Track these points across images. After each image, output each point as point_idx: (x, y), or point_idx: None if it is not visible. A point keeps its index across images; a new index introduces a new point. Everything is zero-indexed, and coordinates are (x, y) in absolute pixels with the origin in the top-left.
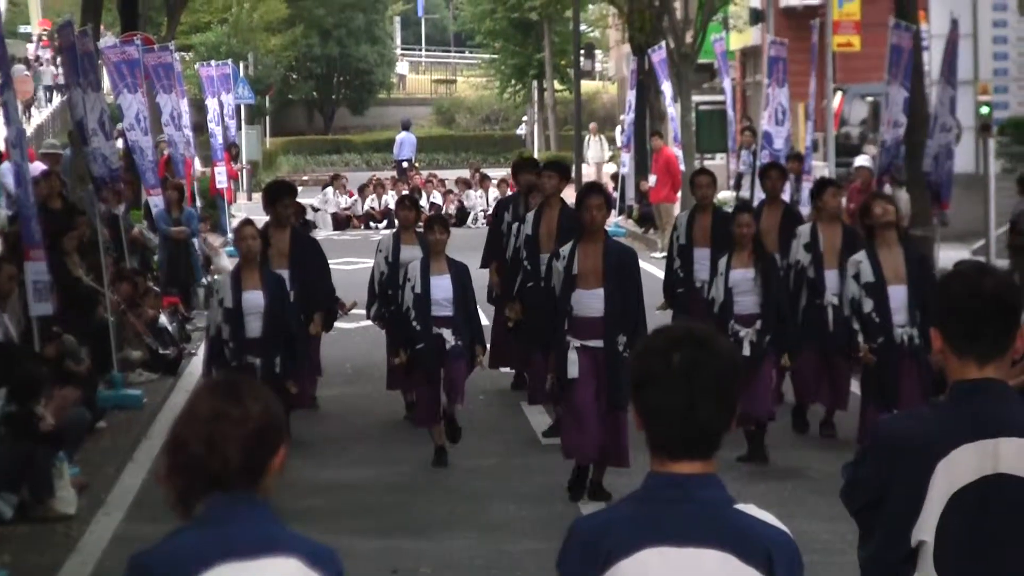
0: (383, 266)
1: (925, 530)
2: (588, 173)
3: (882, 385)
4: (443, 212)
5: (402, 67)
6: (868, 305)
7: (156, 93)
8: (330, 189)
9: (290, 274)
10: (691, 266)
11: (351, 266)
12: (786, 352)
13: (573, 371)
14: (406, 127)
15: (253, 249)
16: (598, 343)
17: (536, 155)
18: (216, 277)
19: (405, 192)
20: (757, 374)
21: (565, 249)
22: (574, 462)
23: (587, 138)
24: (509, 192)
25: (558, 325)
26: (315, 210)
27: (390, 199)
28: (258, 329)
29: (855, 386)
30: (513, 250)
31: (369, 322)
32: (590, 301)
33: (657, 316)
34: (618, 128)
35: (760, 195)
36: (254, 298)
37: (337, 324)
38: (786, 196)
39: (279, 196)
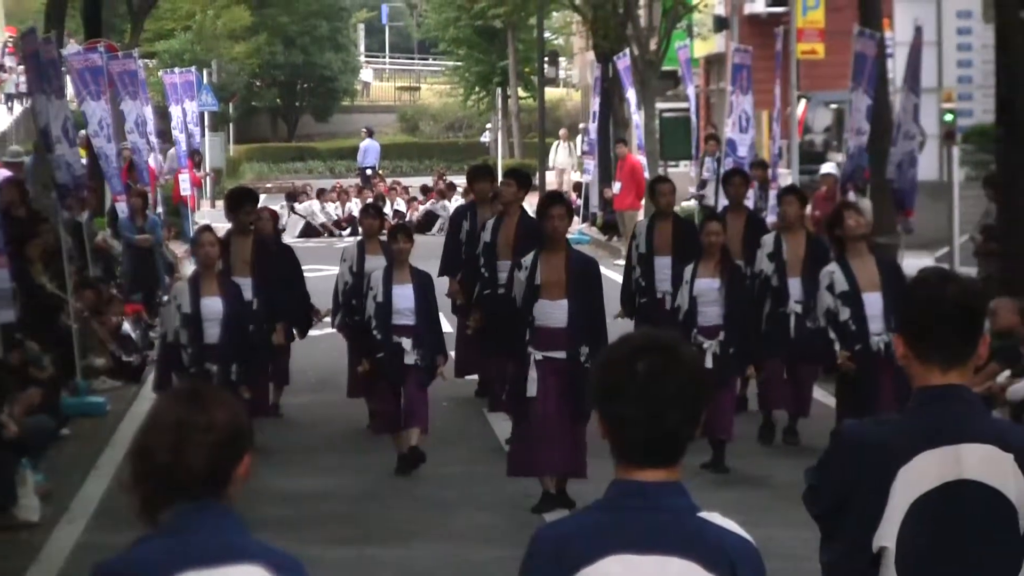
0: (347, 276)
1: (887, 536)
2: (552, 181)
3: (859, 393)
4: (408, 219)
5: (366, 74)
6: (844, 314)
7: (121, 100)
8: (316, 203)
9: (253, 282)
10: (652, 275)
11: (315, 273)
12: (751, 364)
13: (532, 389)
14: (370, 134)
15: (211, 256)
16: (560, 354)
17: (500, 163)
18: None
19: (370, 199)
20: (720, 392)
21: (527, 259)
22: (542, 488)
23: (556, 144)
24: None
25: (519, 336)
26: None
27: (354, 206)
28: (216, 336)
29: (818, 393)
30: (472, 258)
31: (333, 330)
32: (553, 312)
33: (618, 325)
34: (579, 137)
35: (724, 202)
36: (212, 304)
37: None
38: (750, 203)
39: (241, 203)
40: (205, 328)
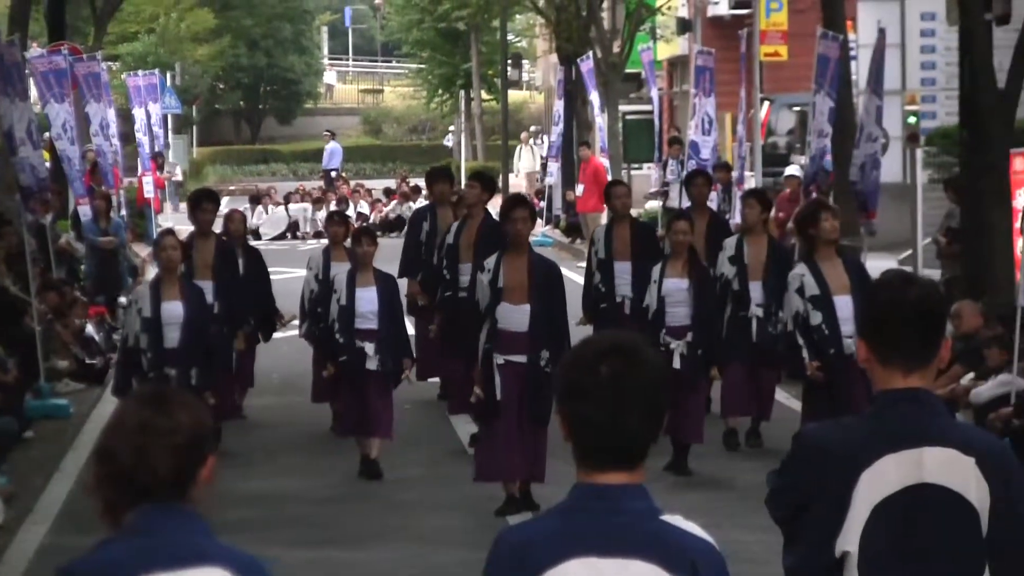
0: (313, 283)
1: (849, 540)
2: (517, 184)
3: (834, 397)
4: (371, 222)
5: (329, 77)
6: (816, 318)
7: (86, 103)
8: (309, 206)
9: (214, 286)
10: (612, 280)
11: (279, 275)
12: (714, 366)
13: (500, 393)
14: (332, 137)
15: (173, 259)
16: (521, 358)
17: (463, 165)
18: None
19: (333, 201)
20: (690, 396)
21: (490, 262)
22: (505, 492)
23: (519, 147)
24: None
25: (483, 340)
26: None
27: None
28: (176, 340)
29: (781, 395)
30: (435, 260)
31: (296, 332)
32: (515, 316)
33: (580, 330)
34: (544, 137)
35: (687, 204)
36: (173, 308)
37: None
38: (713, 205)
39: (198, 202)
40: (165, 332)
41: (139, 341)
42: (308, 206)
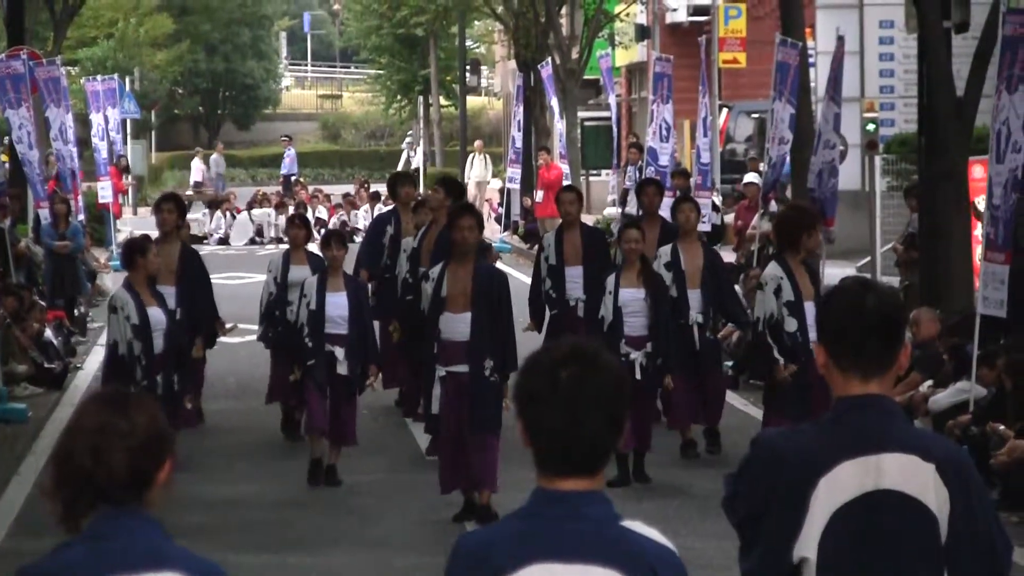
0: (272, 286)
1: (808, 547)
2: (472, 193)
3: (799, 400)
4: (330, 226)
5: (288, 82)
6: (792, 324)
7: (45, 107)
8: (272, 211)
9: (177, 291)
10: (563, 286)
11: (236, 280)
12: (668, 374)
13: (436, 407)
14: (290, 141)
15: (155, 265)
16: (463, 368)
17: (422, 171)
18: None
19: (291, 206)
20: (643, 405)
21: (435, 271)
22: (464, 498)
23: (471, 156)
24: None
25: (427, 350)
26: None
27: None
28: (161, 346)
29: (738, 401)
30: (392, 265)
31: (254, 337)
32: (457, 325)
33: (528, 338)
34: (508, 142)
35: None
36: (156, 315)
37: (222, 339)
38: (666, 212)
39: (160, 201)
40: (154, 339)
41: (132, 348)
42: (271, 211)
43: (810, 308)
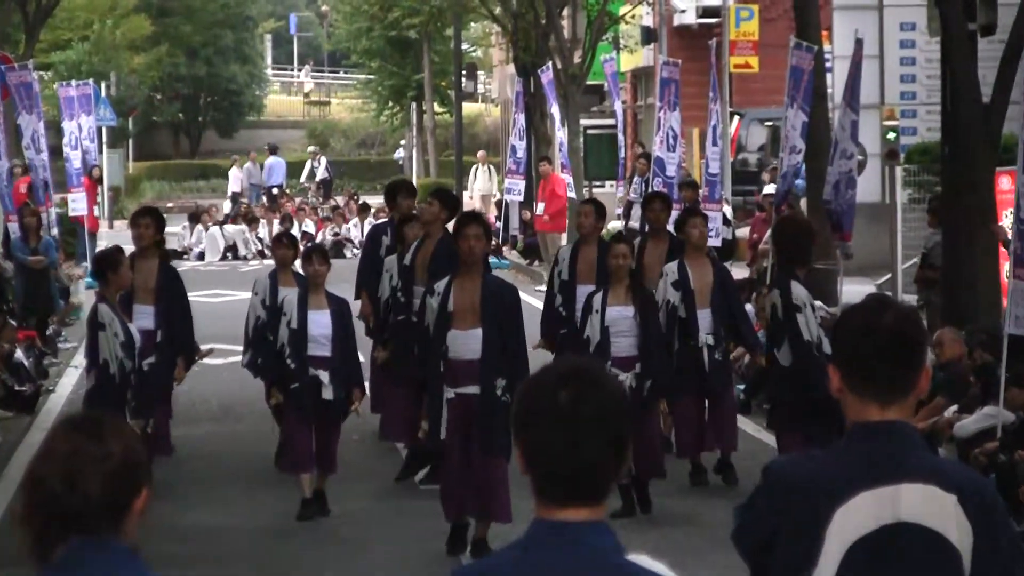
0: (259, 309)
1: None
2: (470, 206)
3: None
4: (320, 241)
5: (273, 88)
6: (827, 345)
7: (17, 115)
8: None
9: (156, 311)
10: (573, 304)
11: (218, 298)
12: (662, 398)
13: (443, 432)
14: (274, 151)
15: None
16: (474, 389)
17: (415, 182)
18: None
19: (277, 219)
20: (642, 427)
21: (440, 284)
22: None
23: (474, 168)
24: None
25: (432, 370)
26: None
27: (261, 228)
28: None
29: (750, 427)
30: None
31: (237, 358)
32: (466, 342)
33: (539, 356)
34: (507, 151)
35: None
36: (134, 332)
37: (205, 360)
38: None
39: (136, 215)
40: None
41: (124, 367)
42: (244, 227)
43: None
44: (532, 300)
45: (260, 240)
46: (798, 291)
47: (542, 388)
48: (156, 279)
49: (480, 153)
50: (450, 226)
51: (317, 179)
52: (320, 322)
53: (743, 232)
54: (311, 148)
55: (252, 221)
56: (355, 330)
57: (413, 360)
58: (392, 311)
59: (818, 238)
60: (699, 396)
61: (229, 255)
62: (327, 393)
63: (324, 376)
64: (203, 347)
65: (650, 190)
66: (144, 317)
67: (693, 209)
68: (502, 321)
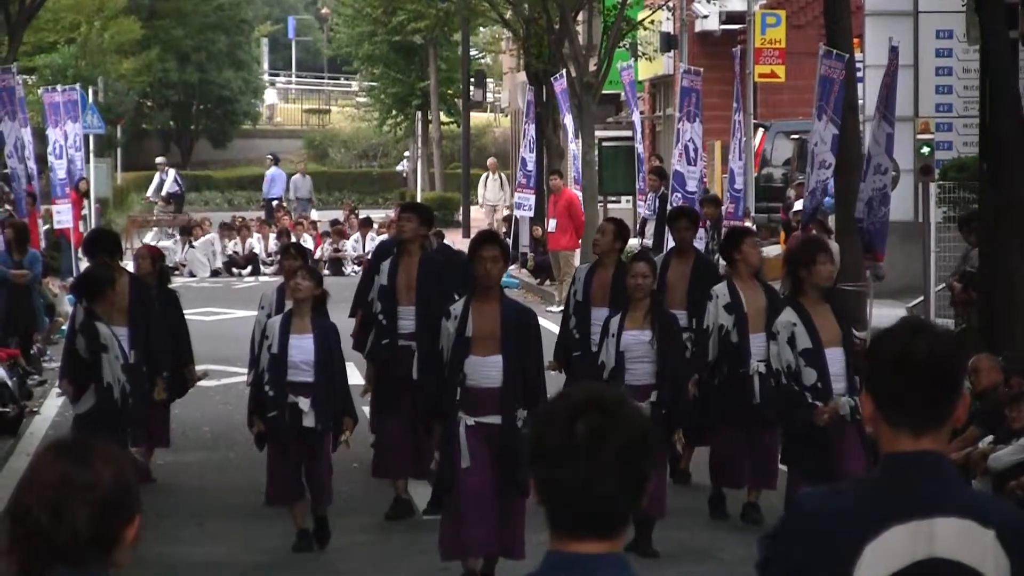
0: (265, 324)
1: None
2: (479, 217)
3: (823, 457)
4: (319, 258)
5: (270, 95)
6: (811, 376)
7: None
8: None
9: (130, 332)
10: (587, 327)
11: (211, 317)
12: (679, 429)
13: (465, 460)
14: (276, 162)
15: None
16: (494, 419)
17: (419, 195)
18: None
19: (272, 235)
20: None
21: (457, 308)
22: (464, 569)
23: (485, 176)
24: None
25: (448, 398)
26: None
27: (255, 242)
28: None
29: None
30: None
31: (231, 380)
32: (486, 369)
33: (552, 379)
34: (517, 163)
35: (671, 242)
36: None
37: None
38: (700, 244)
39: (92, 253)
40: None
41: (124, 390)
42: (214, 236)
43: (833, 355)
44: (543, 322)
45: (225, 256)
46: (782, 317)
47: (557, 418)
48: (128, 298)
49: (490, 160)
50: (461, 245)
51: (164, 192)
52: (302, 347)
53: (770, 251)
54: (159, 159)
55: (237, 230)
56: (343, 355)
57: (405, 386)
58: (376, 335)
59: (848, 259)
60: (744, 427)
61: (223, 271)
62: (308, 420)
63: (304, 403)
64: (197, 369)
65: (669, 206)
66: (119, 339)
67: (746, 230)
68: (523, 347)
